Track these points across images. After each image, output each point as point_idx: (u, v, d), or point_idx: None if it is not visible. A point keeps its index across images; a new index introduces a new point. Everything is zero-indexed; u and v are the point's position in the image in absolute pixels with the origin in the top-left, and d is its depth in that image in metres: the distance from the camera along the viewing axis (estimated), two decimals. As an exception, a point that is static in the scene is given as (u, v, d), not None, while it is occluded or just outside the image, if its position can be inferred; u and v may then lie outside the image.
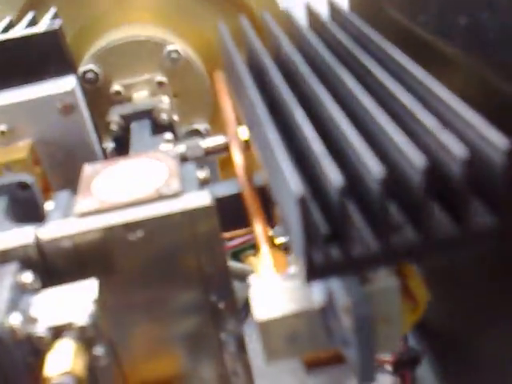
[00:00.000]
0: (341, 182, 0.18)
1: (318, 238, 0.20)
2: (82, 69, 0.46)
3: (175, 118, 0.44)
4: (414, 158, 0.18)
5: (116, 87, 0.47)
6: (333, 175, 0.18)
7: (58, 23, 0.36)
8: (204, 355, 0.30)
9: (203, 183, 0.31)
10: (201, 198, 0.27)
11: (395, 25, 0.32)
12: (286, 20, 0.34)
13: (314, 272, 0.20)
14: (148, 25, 0.48)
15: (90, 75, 0.45)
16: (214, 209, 0.27)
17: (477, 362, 0.31)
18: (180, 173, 0.30)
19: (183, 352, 0.30)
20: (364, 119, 0.23)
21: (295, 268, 0.24)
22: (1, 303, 0.23)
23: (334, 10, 0.32)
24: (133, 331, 0.29)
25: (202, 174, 0.32)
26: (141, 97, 0.46)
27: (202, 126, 0.50)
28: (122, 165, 0.31)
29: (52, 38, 0.35)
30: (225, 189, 0.32)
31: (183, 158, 0.38)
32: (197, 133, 0.50)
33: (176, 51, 0.46)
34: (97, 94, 0.45)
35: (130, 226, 0.27)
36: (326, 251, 0.19)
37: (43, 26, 0.36)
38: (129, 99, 0.46)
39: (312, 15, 0.33)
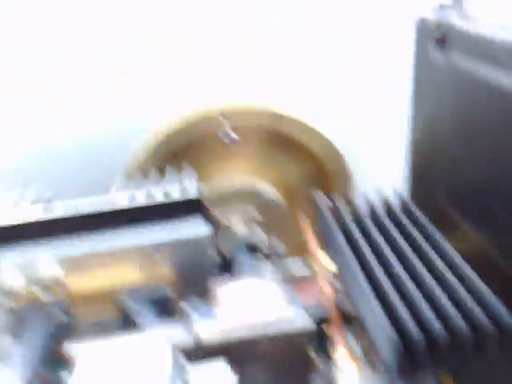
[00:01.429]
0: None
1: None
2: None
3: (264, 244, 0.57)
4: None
5: (222, 220, 0.61)
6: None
7: (200, 190, 0.51)
8: None
9: (299, 304, 0.43)
10: (307, 323, 0.39)
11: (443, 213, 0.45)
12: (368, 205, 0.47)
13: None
14: (246, 175, 0.64)
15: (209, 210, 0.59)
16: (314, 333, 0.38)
17: None
18: (288, 295, 0.42)
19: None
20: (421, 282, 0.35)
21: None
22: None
23: (403, 203, 0.45)
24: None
25: (298, 297, 0.44)
26: (240, 226, 0.60)
27: (280, 249, 0.63)
28: (243, 286, 0.44)
29: (199, 203, 0.50)
30: (318, 312, 0.43)
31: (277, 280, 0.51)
32: (275, 250, 0.63)
33: (268, 197, 0.61)
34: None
35: (253, 340, 0.38)
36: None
37: (188, 191, 0.51)
38: (231, 230, 0.60)
39: (387, 205, 0.46)
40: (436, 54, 0.45)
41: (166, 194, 0.53)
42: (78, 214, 0.52)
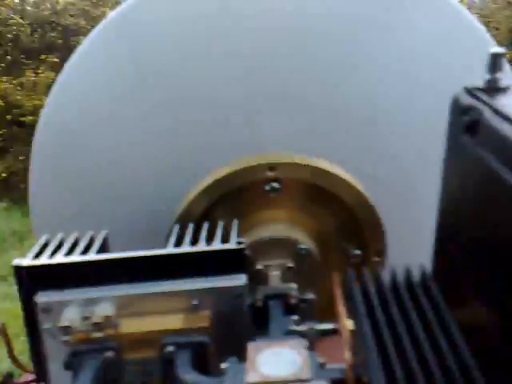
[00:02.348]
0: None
1: None
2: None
3: (296, 295, 0.62)
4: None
5: (259, 266, 0.66)
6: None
7: (242, 243, 0.56)
8: None
9: (321, 366, 0.48)
10: (324, 388, 0.43)
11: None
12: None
13: None
14: (283, 223, 0.69)
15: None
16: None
17: None
18: (309, 360, 0.46)
19: None
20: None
21: None
22: None
23: (423, 279, 0.48)
24: None
25: (321, 360, 0.48)
26: (275, 275, 0.65)
27: (309, 296, 0.67)
28: (272, 347, 0.49)
29: (239, 254, 0.56)
30: (336, 373, 0.48)
31: (303, 335, 0.55)
32: (306, 301, 0.67)
33: (304, 248, 0.66)
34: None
35: None
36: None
37: (232, 242, 0.57)
38: (264, 276, 0.65)
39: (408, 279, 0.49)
40: (465, 138, 0.48)
41: (209, 244, 0.58)
42: (131, 256, 0.58)
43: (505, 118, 0.42)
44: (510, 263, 0.38)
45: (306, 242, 0.67)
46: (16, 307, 0.61)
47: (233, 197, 0.69)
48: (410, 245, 0.62)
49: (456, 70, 0.68)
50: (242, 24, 0.73)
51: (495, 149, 0.42)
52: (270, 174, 0.68)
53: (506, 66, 0.75)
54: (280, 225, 0.69)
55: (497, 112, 0.43)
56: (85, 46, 0.77)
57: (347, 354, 0.49)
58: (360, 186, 0.68)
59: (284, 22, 0.72)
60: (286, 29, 0.72)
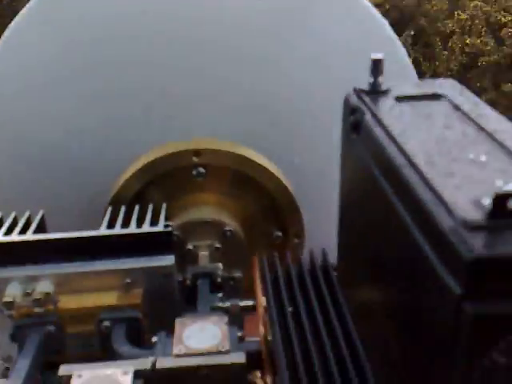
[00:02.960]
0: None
1: None
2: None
3: (222, 273, 0.70)
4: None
5: (189, 246, 0.73)
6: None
7: (169, 226, 0.63)
8: None
9: (240, 340, 0.56)
10: (240, 357, 0.51)
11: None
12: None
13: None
14: (211, 207, 0.76)
15: (175, 238, 0.71)
16: (246, 364, 0.51)
17: None
18: (228, 334, 0.54)
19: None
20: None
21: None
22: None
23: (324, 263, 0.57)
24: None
25: (239, 332, 0.56)
26: (204, 255, 0.72)
27: (237, 274, 0.76)
28: (197, 322, 0.56)
29: (167, 236, 0.62)
30: (253, 345, 0.56)
31: (227, 311, 0.63)
32: (233, 279, 0.75)
33: (230, 230, 0.73)
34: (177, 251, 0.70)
35: (199, 368, 0.51)
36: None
37: (160, 225, 0.63)
38: (195, 256, 0.72)
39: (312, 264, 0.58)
40: (352, 136, 0.56)
41: (139, 226, 0.64)
42: (68, 237, 0.63)
43: (378, 121, 0.49)
44: (379, 246, 0.47)
45: (231, 225, 0.75)
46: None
47: (162, 180, 0.75)
48: (326, 227, 0.69)
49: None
50: (160, 10, 0.77)
51: (370, 149, 0.49)
52: (195, 159, 0.74)
53: (410, 69, 0.84)
54: (207, 208, 0.76)
55: (373, 115, 0.50)
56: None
57: (261, 329, 0.57)
58: (280, 174, 0.75)
59: (200, 13, 0.77)
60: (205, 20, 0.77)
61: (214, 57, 0.77)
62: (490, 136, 0.44)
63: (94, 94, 0.80)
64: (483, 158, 0.41)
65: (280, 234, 0.79)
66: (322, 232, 0.70)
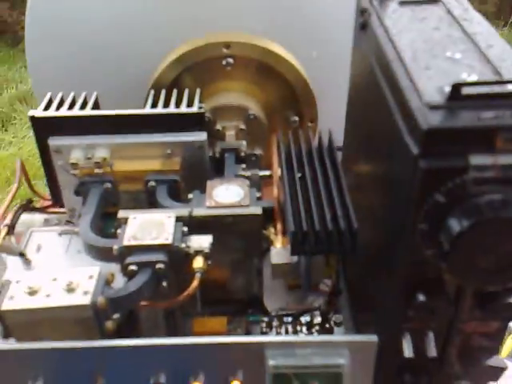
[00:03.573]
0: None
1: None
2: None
3: (246, 149, 0.83)
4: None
5: (218, 126, 0.86)
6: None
7: (202, 108, 0.75)
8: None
9: (259, 199, 0.70)
10: (258, 210, 0.65)
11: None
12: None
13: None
14: (238, 93, 0.87)
15: (206, 119, 0.84)
16: (262, 216, 0.65)
17: (366, 297, 0.70)
18: (249, 193, 0.68)
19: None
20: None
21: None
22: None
23: (330, 143, 0.69)
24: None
25: (258, 194, 0.70)
26: (231, 134, 0.85)
27: (258, 152, 0.88)
28: (224, 184, 0.70)
29: (200, 116, 0.74)
30: (267, 203, 0.70)
31: (249, 178, 0.77)
32: (255, 155, 0.88)
33: (253, 114, 0.85)
34: (207, 130, 0.82)
35: (226, 217, 0.65)
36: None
37: (195, 107, 0.75)
38: (223, 135, 0.85)
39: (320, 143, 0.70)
40: (361, 35, 0.65)
41: (178, 107, 0.77)
42: (119, 113, 0.76)
43: (381, 22, 0.58)
44: (371, 126, 0.59)
45: (255, 110, 0.87)
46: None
47: (196, 69, 0.86)
48: (338, 113, 0.80)
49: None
50: None
51: (372, 45, 0.58)
52: (225, 50, 0.84)
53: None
54: (234, 94, 0.87)
55: (378, 16, 0.59)
56: None
57: (275, 191, 0.71)
58: (299, 66, 0.86)
59: None
60: None
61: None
62: (469, 37, 0.54)
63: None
64: (458, 56, 0.51)
65: (296, 118, 0.91)
66: (333, 117, 0.80)
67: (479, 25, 0.56)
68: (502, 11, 5.10)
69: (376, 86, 0.55)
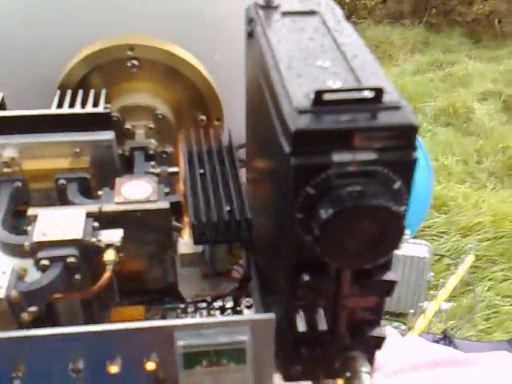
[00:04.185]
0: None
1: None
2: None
3: (155, 147, 0.88)
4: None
5: (127, 126, 0.90)
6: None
7: (108, 108, 0.79)
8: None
9: (167, 194, 0.75)
10: (165, 204, 0.71)
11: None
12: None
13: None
14: (145, 93, 0.92)
15: (115, 118, 0.88)
16: (169, 210, 0.71)
17: (268, 281, 0.77)
18: (157, 189, 0.73)
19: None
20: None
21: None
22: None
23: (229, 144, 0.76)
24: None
25: (166, 189, 0.76)
26: (140, 133, 0.90)
27: (169, 149, 0.94)
28: (132, 181, 0.75)
29: (106, 116, 0.78)
30: (175, 198, 0.75)
31: (157, 175, 0.82)
32: (166, 152, 0.94)
33: (161, 114, 0.90)
34: (116, 129, 0.86)
35: (134, 212, 0.70)
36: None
37: (100, 107, 0.79)
38: (133, 134, 0.90)
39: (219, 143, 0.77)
40: (248, 42, 0.71)
41: (83, 107, 0.80)
42: (27, 114, 0.79)
43: (264, 31, 0.64)
44: (259, 128, 0.65)
45: (162, 109, 0.92)
46: None
47: (102, 70, 0.90)
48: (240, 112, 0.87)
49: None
50: None
51: (256, 53, 0.64)
52: (130, 53, 0.89)
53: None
54: (142, 94, 0.92)
55: (262, 26, 0.65)
56: None
57: (181, 186, 0.77)
58: (202, 68, 0.92)
59: None
60: None
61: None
62: (339, 47, 0.62)
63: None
64: (327, 65, 0.59)
65: (204, 117, 0.97)
66: (240, 116, 0.87)
67: (349, 36, 0.64)
68: (416, 10, 5.41)
69: (260, 90, 0.62)
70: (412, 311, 2.03)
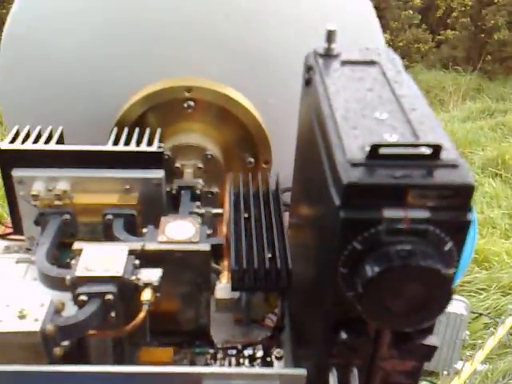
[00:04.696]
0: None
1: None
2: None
3: (202, 187, 0.88)
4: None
5: (177, 164, 0.91)
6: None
7: (162, 147, 0.80)
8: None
9: (209, 235, 0.74)
10: (206, 246, 0.70)
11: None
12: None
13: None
14: (197, 134, 0.92)
15: (166, 157, 0.89)
16: (210, 252, 0.70)
17: (302, 333, 0.74)
18: (200, 230, 0.73)
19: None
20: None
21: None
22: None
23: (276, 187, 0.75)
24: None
25: (209, 231, 0.75)
26: (188, 172, 0.90)
27: (215, 190, 0.94)
28: (177, 220, 0.74)
29: (159, 155, 0.79)
30: (217, 240, 0.75)
31: (202, 215, 0.82)
32: (212, 193, 0.93)
33: (211, 154, 0.91)
34: (166, 167, 0.87)
35: (176, 251, 0.70)
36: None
37: (154, 146, 0.80)
38: (181, 172, 0.90)
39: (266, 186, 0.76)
40: (306, 89, 0.71)
41: (138, 145, 0.81)
42: (82, 149, 0.80)
43: (322, 80, 0.63)
44: (309, 176, 0.64)
45: (212, 150, 0.92)
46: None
47: (159, 109, 0.91)
48: (291, 157, 0.86)
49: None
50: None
51: (313, 101, 0.64)
52: (187, 94, 0.90)
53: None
54: (194, 135, 0.93)
55: (321, 74, 0.65)
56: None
57: (224, 229, 0.76)
58: (255, 111, 0.92)
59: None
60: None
61: (209, 8, 0.92)
62: (397, 99, 0.60)
63: (103, 28, 0.95)
64: (384, 117, 0.57)
65: (252, 160, 0.96)
66: (288, 160, 0.86)
67: (408, 88, 0.63)
68: (471, 57, 5.37)
69: (313, 138, 0.61)
70: (446, 373, 1.91)
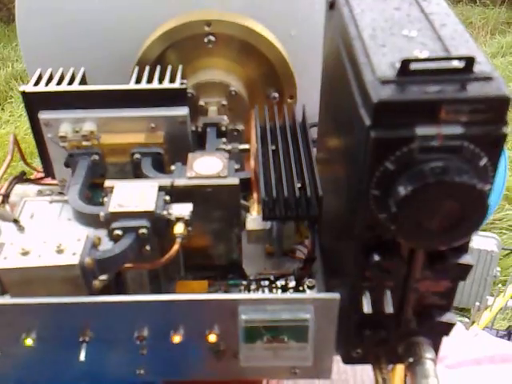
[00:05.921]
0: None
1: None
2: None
3: (227, 124, 0.87)
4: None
5: (201, 102, 0.90)
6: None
7: (184, 83, 0.79)
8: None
9: (236, 170, 0.74)
10: (235, 180, 0.70)
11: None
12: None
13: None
14: (219, 70, 0.91)
15: (189, 95, 0.88)
16: (239, 186, 0.70)
17: (334, 262, 0.75)
18: (227, 165, 0.73)
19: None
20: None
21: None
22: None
23: (303, 119, 0.74)
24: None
25: (237, 166, 0.75)
26: (213, 110, 0.89)
27: (240, 127, 0.93)
28: (204, 156, 0.74)
29: (182, 92, 0.78)
30: (245, 174, 0.75)
31: (229, 151, 0.81)
32: (237, 130, 0.93)
33: (235, 91, 0.89)
34: (190, 105, 0.87)
35: (205, 186, 0.70)
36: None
37: (177, 83, 0.79)
38: (206, 110, 0.89)
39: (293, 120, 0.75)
40: (330, 13, 0.69)
41: (161, 83, 0.81)
42: (106, 89, 0.80)
43: (347, 2, 0.61)
44: (337, 102, 0.63)
45: (236, 86, 0.91)
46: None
47: (179, 46, 0.90)
48: (316, 91, 0.84)
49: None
50: None
51: (338, 23, 0.62)
52: (206, 28, 0.88)
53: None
54: (216, 71, 0.91)
55: None
56: None
57: (252, 163, 0.75)
58: (278, 44, 0.89)
59: None
60: None
61: None
62: (427, 17, 0.58)
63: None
64: (413, 34, 0.55)
65: (277, 95, 0.95)
66: (313, 94, 0.83)
67: (437, 5, 0.60)
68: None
69: (340, 62, 0.59)
70: (478, 304, 1.93)
